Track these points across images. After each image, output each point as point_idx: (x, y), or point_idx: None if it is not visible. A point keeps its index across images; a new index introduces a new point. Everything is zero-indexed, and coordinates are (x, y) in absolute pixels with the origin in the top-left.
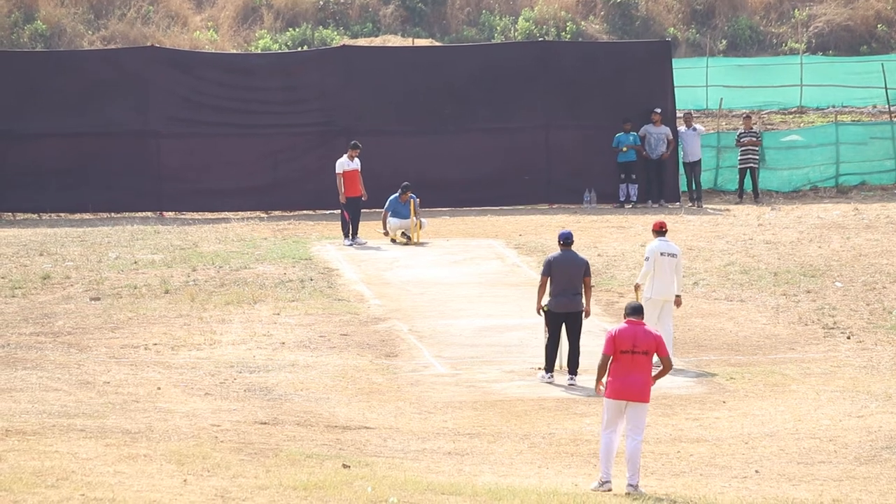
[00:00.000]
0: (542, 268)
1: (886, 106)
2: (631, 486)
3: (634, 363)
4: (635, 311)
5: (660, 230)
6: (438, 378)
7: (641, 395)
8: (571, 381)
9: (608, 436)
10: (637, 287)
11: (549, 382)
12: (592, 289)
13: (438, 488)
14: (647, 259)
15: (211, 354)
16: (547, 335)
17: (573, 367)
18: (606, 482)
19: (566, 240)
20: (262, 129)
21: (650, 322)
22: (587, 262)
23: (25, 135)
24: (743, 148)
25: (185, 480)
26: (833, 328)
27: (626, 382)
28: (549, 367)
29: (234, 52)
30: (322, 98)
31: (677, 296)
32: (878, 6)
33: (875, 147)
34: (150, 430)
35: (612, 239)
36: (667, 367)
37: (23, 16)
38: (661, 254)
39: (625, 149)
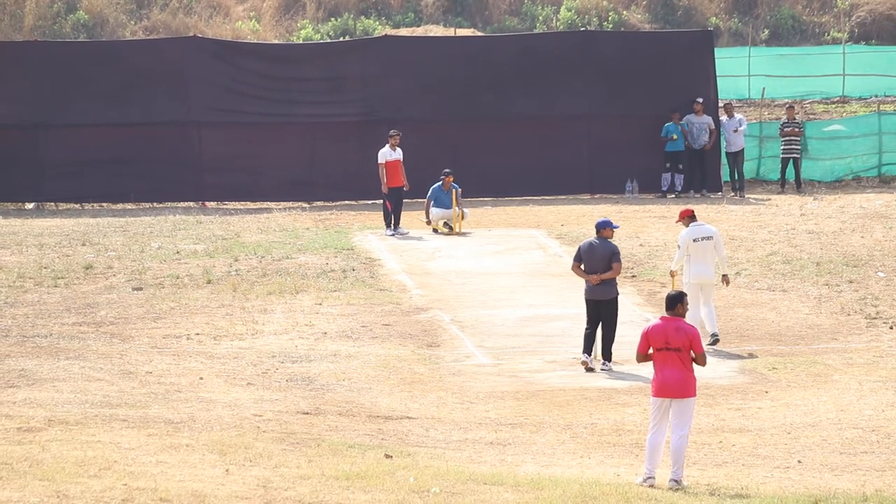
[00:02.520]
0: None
1: None
2: (674, 480)
3: (670, 360)
4: (670, 305)
5: (691, 216)
6: (480, 368)
7: (681, 392)
8: (604, 367)
9: (653, 434)
10: (673, 274)
11: (586, 362)
12: (620, 274)
13: (480, 478)
14: (678, 247)
15: (253, 344)
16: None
17: (605, 353)
18: (650, 477)
19: (597, 227)
20: (304, 118)
21: (692, 305)
22: (613, 250)
23: (68, 125)
24: (785, 138)
25: (227, 470)
26: (876, 318)
27: (664, 379)
28: (586, 349)
29: (276, 42)
30: (364, 88)
31: (724, 275)
32: None
33: None
34: (193, 420)
35: (655, 229)
36: (700, 362)
37: (65, 6)
38: (695, 240)
39: (675, 137)
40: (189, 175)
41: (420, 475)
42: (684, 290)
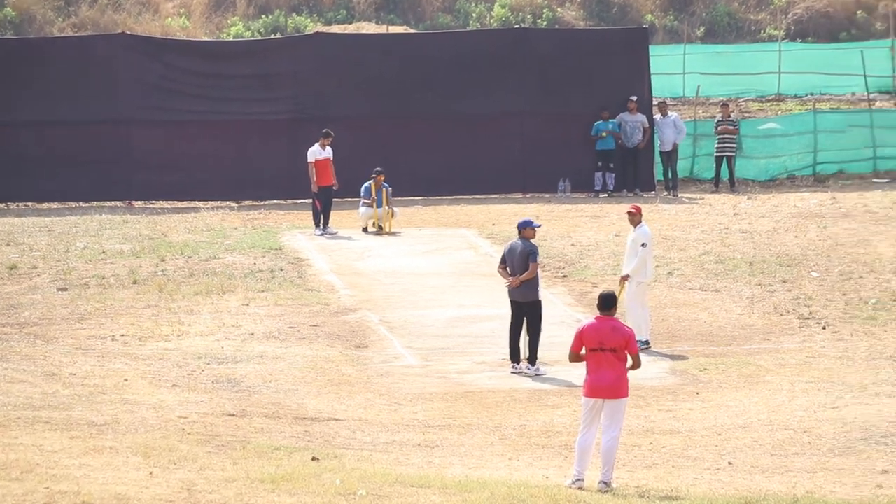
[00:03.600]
0: None
1: (865, 93)
2: (603, 482)
3: (604, 360)
4: (606, 305)
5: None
6: (409, 369)
7: (614, 392)
8: (528, 369)
9: (583, 435)
10: (625, 279)
11: (517, 373)
12: (537, 274)
13: (408, 481)
14: (644, 246)
15: (179, 345)
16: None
17: (529, 356)
18: (579, 479)
19: (518, 228)
20: (234, 116)
21: (642, 305)
22: (529, 250)
23: None
24: (719, 136)
25: (151, 473)
26: (808, 318)
27: (598, 380)
28: (512, 356)
29: (206, 39)
30: (295, 86)
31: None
32: None
33: (853, 135)
34: (117, 423)
35: (587, 228)
36: (636, 363)
37: None
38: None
39: (604, 134)
40: (116, 174)
41: (347, 477)
42: (638, 291)
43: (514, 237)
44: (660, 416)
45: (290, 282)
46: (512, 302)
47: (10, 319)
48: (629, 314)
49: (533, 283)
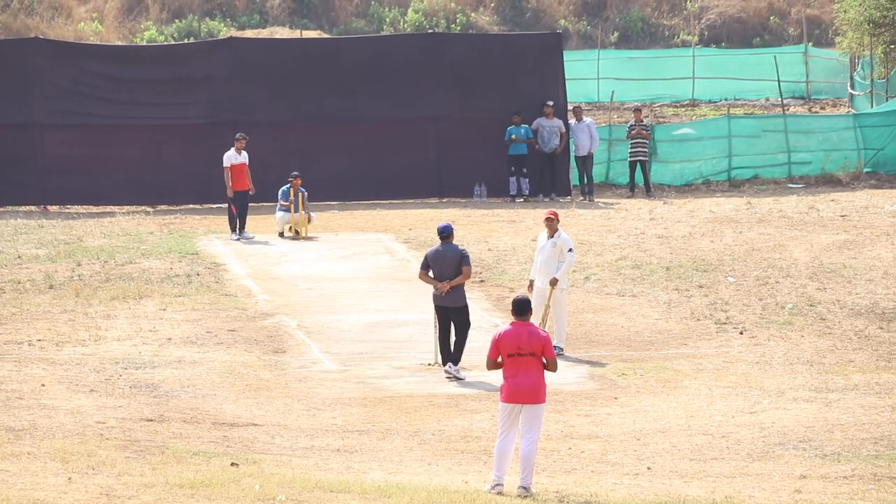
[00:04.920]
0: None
1: (779, 99)
2: (522, 487)
3: (523, 365)
4: (521, 311)
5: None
6: (327, 374)
7: (533, 397)
8: (447, 372)
9: (501, 440)
10: (555, 282)
11: (454, 374)
12: (469, 279)
13: (327, 486)
14: (571, 251)
15: (96, 350)
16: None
17: (454, 357)
18: (498, 484)
19: (441, 233)
20: (149, 121)
21: (564, 312)
22: (462, 255)
23: None
24: (632, 141)
25: (69, 479)
26: (725, 323)
27: (516, 385)
28: (445, 359)
29: (120, 43)
30: (209, 90)
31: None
32: None
33: (768, 140)
34: (34, 428)
35: (503, 233)
36: (551, 368)
37: None
38: None
39: (514, 137)
40: (31, 178)
41: (266, 483)
42: (562, 297)
43: (430, 241)
44: (578, 421)
45: (206, 287)
46: (438, 307)
47: None
48: (558, 319)
49: (461, 288)
